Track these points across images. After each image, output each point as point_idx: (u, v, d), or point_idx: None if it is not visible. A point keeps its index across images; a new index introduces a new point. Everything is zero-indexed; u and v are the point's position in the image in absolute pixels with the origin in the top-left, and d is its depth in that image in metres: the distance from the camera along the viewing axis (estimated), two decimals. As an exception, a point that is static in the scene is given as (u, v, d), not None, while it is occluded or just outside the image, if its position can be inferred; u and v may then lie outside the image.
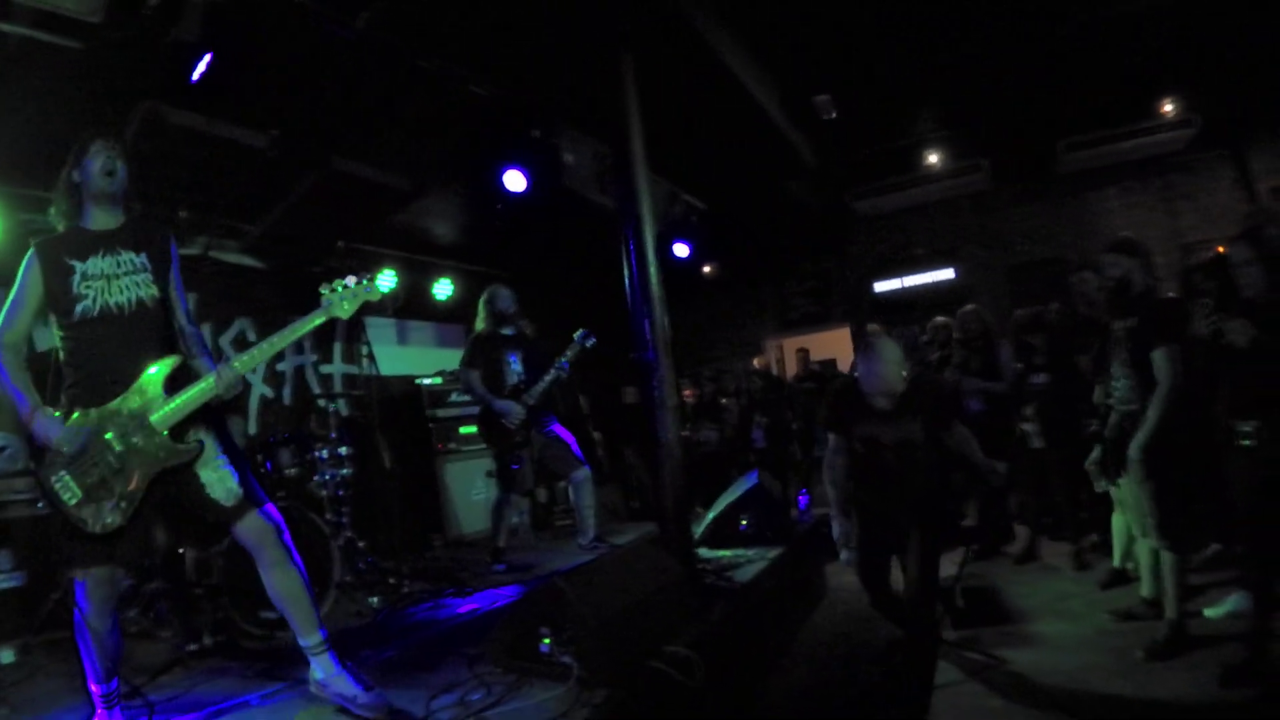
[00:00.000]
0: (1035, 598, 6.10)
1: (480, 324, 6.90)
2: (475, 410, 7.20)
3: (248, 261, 8.25)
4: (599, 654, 3.68)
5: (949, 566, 5.26)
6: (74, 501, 3.30)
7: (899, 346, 4.59)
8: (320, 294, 3.66)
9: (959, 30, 7.78)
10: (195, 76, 4.74)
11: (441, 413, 9.27)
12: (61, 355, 3.52)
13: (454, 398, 9.21)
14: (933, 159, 11.18)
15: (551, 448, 6.79)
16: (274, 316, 8.48)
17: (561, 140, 7.04)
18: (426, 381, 9.30)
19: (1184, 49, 8.59)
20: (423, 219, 9.17)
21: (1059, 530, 7.19)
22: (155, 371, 3.46)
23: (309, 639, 3.62)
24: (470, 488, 9.10)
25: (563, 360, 6.73)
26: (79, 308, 3.44)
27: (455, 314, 10.38)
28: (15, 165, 6.34)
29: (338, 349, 9.44)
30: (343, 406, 8.59)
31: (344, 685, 3.57)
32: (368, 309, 3.98)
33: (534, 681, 3.78)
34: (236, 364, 3.52)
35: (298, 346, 9.07)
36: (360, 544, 6.51)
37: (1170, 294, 5.41)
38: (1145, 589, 5.23)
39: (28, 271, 3.48)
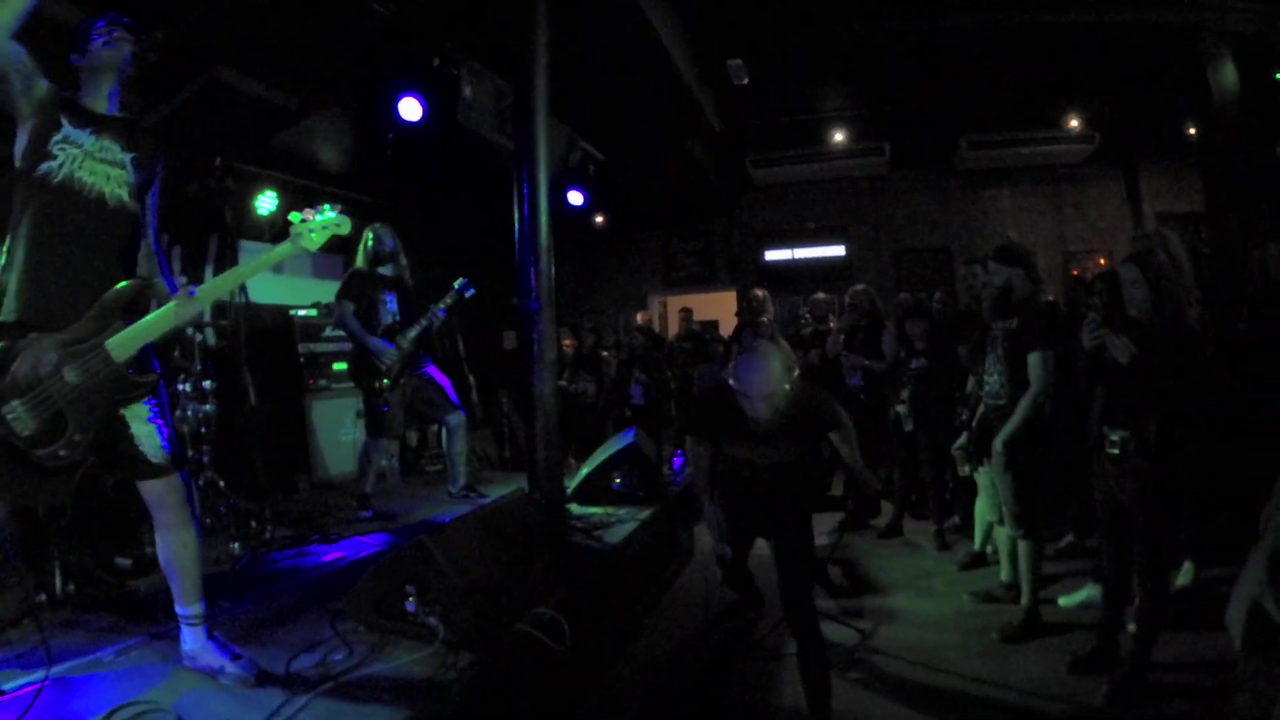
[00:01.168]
0: (898, 572, 6.32)
1: (360, 260, 6.60)
2: (347, 347, 6.92)
3: (114, 173, 7.74)
4: (465, 616, 3.57)
5: (820, 537, 5.30)
6: (27, 433, 2.97)
7: (784, 354, 4.37)
8: (290, 222, 3.44)
9: (879, 12, 7.79)
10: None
11: (315, 348, 8.86)
12: (18, 248, 3.09)
13: (328, 332, 8.78)
14: (837, 137, 11.40)
15: (424, 390, 6.57)
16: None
17: (462, 72, 6.78)
18: (301, 313, 8.85)
19: (1092, 67, 8.84)
20: (309, 141, 8.71)
21: (923, 509, 7.43)
22: (116, 295, 3.13)
23: (189, 608, 3.40)
24: (339, 428, 8.76)
25: (439, 308, 6.50)
26: (44, 165, 3.07)
27: (337, 244, 9.94)
28: None
29: (209, 273, 8.95)
30: (209, 336, 8.16)
31: (211, 656, 3.36)
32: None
33: (398, 642, 3.66)
34: (199, 293, 3.23)
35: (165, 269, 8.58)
36: (221, 484, 6.16)
37: (1049, 299, 5.58)
38: (1004, 573, 5.52)
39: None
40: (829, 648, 4.39)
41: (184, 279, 3.58)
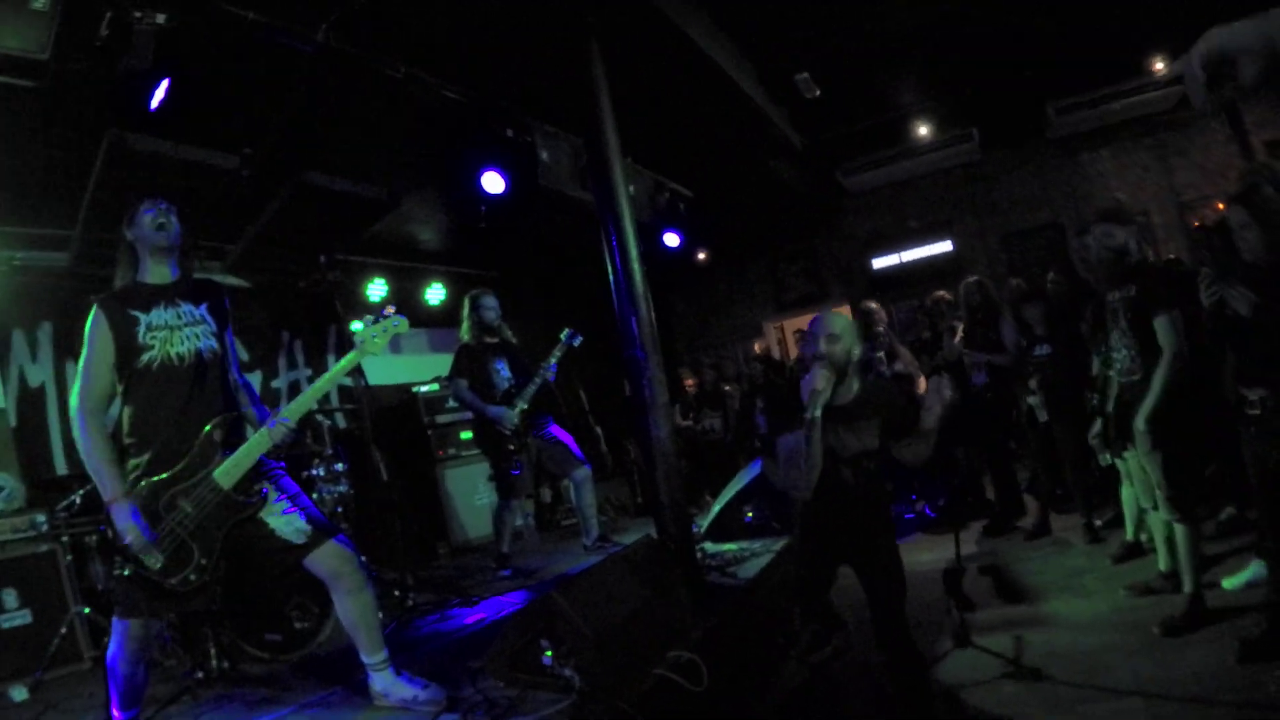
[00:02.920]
0: (1049, 574, 5.99)
1: (465, 334, 6.84)
2: (470, 416, 7.15)
3: (232, 281, 8.18)
4: (600, 665, 3.63)
5: (968, 545, 5.16)
6: (158, 566, 3.41)
7: (852, 320, 4.27)
8: (353, 333, 3.82)
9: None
10: (154, 104, 4.66)
11: (440, 419, 9.19)
12: (125, 416, 3.59)
13: (450, 404, 9.11)
14: (922, 130, 11.04)
15: (550, 449, 6.73)
16: (263, 334, 8.44)
17: (536, 138, 6.96)
18: (423, 389, 9.22)
19: (1172, 3, 8.45)
20: (407, 225, 9.11)
21: (1070, 503, 7.09)
22: (214, 429, 3.58)
23: (374, 657, 3.82)
24: (473, 493, 9.03)
25: (550, 363, 6.68)
26: (144, 357, 3.51)
27: (448, 318, 10.30)
28: (2, 205, 6.34)
29: (330, 360, 9.38)
30: (339, 420, 8.56)
31: (403, 690, 3.78)
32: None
33: (537, 696, 3.74)
34: (286, 414, 3.67)
35: (290, 361, 9.03)
36: (362, 559, 6.41)
37: (1169, 257, 5.29)
38: (1161, 562, 5.10)
39: (95, 328, 3.52)
40: (976, 667, 4.34)
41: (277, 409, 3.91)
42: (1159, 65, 10.12)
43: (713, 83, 7.41)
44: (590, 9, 5.49)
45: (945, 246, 12.80)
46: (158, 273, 3.70)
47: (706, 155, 9.33)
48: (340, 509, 6.43)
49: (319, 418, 7.79)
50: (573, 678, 3.64)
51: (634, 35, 6.08)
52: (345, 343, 9.34)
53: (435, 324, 10.36)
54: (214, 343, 3.70)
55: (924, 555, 6.89)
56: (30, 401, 6.95)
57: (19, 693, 5.26)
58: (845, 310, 12.69)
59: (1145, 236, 4.78)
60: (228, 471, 3.52)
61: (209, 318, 3.73)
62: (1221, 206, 10.85)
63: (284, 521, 3.63)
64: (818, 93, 9.06)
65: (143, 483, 3.48)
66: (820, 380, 3.79)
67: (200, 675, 4.79)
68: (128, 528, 3.35)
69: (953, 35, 8.42)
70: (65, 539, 5.86)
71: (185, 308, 3.67)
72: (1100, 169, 12.01)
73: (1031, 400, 6.82)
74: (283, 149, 6.45)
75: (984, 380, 7.46)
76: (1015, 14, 8.08)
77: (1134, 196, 11.26)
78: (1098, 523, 6.63)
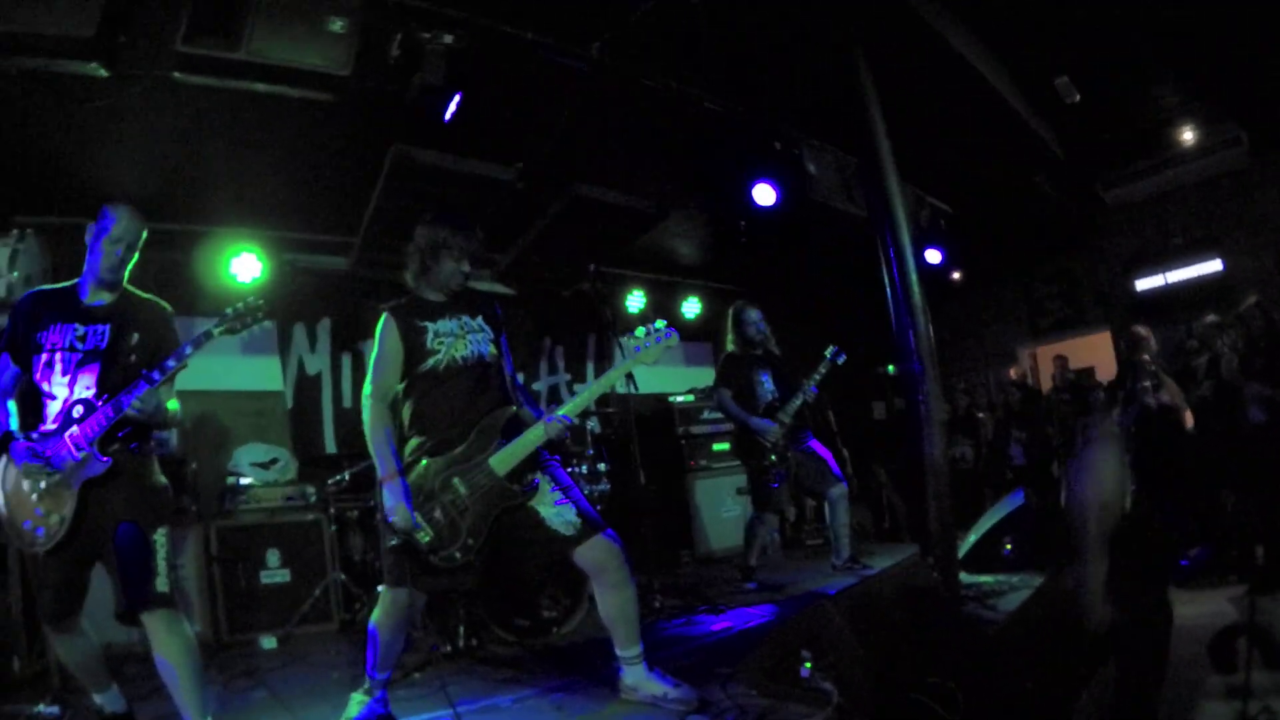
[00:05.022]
0: None
1: (730, 344, 6.92)
2: (725, 428, 7.21)
3: (500, 289, 8.59)
4: (861, 681, 3.58)
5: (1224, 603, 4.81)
6: (426, 540, 3.67)
7: (1126, 462, 3.84)
8: (624, 344, 4.04)
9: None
10: (448, 116, 5.02)
11: (694, 429, 9.31)
12: (408, 409, 3.93)
13: (705, 415, 9.24)
14: (1185, 135, 10.11)
15: (808, 464, 6.70)
16: (528, 339, 8.83)
17: (803, 150, 6.97)
18: (679, 399, 9.37)
19: None
20: (668, 239, 9.31)
21: None
22: (493, 419, 3.84)
23: (629, 650, 3.93)
24: (720, 505, 9.09)
25: (815, 378, 6.63)
26: (432, 361, 3.85)
27: (703, 332, 10.47)
28: (274, 211, 6.98)
29: (590, 369, 9.70)
30: (595, 424, 8.81)
31: (654, 686, 3.87)
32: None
33: (788, 707, 3.75)
34: (564, 411, 3.89)
35: (551, 366, 9.40)
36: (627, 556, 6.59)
37: None
38: None
39: (386, 332, 3.87)
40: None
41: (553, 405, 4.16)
42: None
43: (972, 90, 7.18)
44: (854, 15, 5.50)
45: (1214, 266, 11.64)
46: (442, 290, 4.02)
47: (966, 169, 9.03)
48: (599, 506, 6.61)
49: (581, 421, 8.06)
50: (831, 692, 3.61)
51: (894, 42, 5.98)
52: (603, 351, 9.67)
53: (690, 337, 10.49)
54: (492, 347, 3.99)
55: (1180, 609, 6.39)
56: (307, 387, 7.79)
57: (269, 642, 5.92)
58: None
59: None
60: (503, 460, 3.75)
61: (486, 325, 4.03)
62: None
63: (555, 512, 3.80)
64: (1078, 97, 8.58)
65: (423, 461, 3.77)
66: None
67: (448, 649, 5.15)
68: (397, 506, 3.62)
69: (1217, 25, 7.66)
70: (331, 511, 6.53)
71: (465, 318, 3.98)
72: (1399, 178, 10.64)
73: (1316, 441, 6.15)
74: (556, 162, 6.78)
75: (1262, 418, 6.76)
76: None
77: None
78: None
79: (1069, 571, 3.83)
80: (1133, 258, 12.11)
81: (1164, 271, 11.74)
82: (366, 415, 3.81)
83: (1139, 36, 7.78)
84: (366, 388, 3.85)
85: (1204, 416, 7.48)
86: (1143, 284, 11.90)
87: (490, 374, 3.95)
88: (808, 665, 3.78)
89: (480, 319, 4.03)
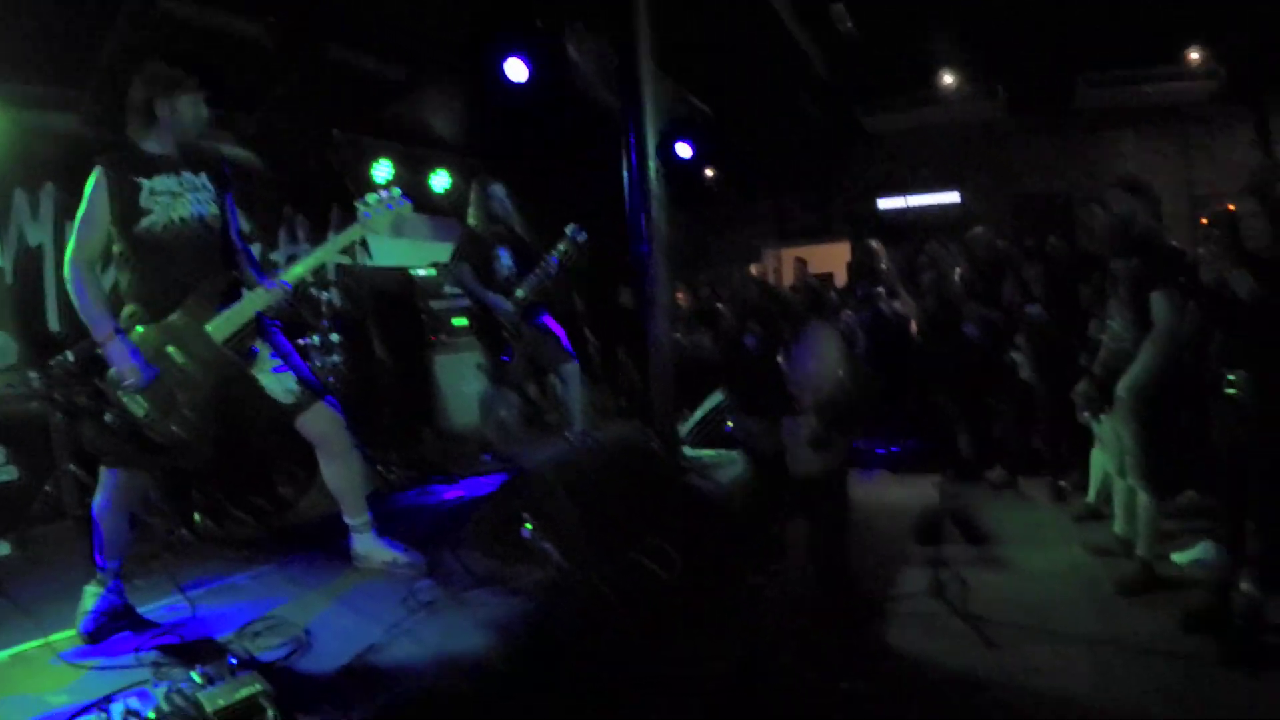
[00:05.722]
0: (1010, 524, 6.20)
1: (472, 219, 6.78)
2: (466, 303, 7.15)
3: (242, 153, 8.11)
4: (579, 542, 3.74)
5: (928, 487, 5.33)
6: (141, 413, 3.44)
7: (843, 346, 4.23)
8: (355, 208, 3.91)
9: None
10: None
11: (435, 304, 9.17)
12: (123, 275, 3.65)
13: (447, 290, 9.08)
14: (948, 81, 10.99)
15: (541, 341, 6.72)
16: (268, 206, 8.38)
17: (566, 32, 6.88)
18: (420, 273, 9.20)
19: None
20: (420, 110, 9.00)
21: (1039, 461, 7.27)
22: (211, 285, 3.63)
23: (357, 519, 3.99)
24: (462, 381, 9.00)
25: (553, 256, 6.62)
26: (145, 221, 3.54)
27: (452, 208, 10.23)
28: (10, 63, 6.21)
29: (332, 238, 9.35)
30: (335, 296, 8.55)
31: (384, 552, 3.96)
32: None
33: (514, 567, 3.84)
34: (286, 277, 3.77)
35: (291, 235, 9.00)
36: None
37: (1174, 244, 5.40)
38: (1119, 526, 5.34)
39: (95, 188, 3.54)
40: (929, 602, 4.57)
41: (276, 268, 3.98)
42: (1194, 56, 10.12)
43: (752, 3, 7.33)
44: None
45: (954, 199, 12.79)
46: (165, 145, 3.70)
47: (731, 74, 9.25)
48: (331, 380, 6.46)
49: (317, 292, 7.80)
50: (550, 551, 3.74)
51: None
52: (348, 222, 9.30)
53: (438, 211, 10.29)
54: (213, 207, 3.72)
55: (892, 490, 7.29)
56: (28, 260, 6.94)
57: (3, 547, 5.37)
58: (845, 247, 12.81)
59: (1156, 217, 4.86)
60: (220, 326, 3.59)
61: (210, 184, 3.75)
62: (1232, 207, 10.82)
63: (275, 380, 3.70)
64: (850, 25, 8.96)
65: (137, 329, 3.53)
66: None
67: (185, 534, 4.94)
68: (126, 365, 3.41)
69: None
70: (58, 398, 5.87)
71: (186, 175, 3.67)
72: (1121, 149, 12.07)
73: (1016, 357, 6.95)
74: (308, 21, 6.38)
75: (975, 332, 7.54)
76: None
77: (1150, 182, 11.20)
78: (1063, 483, 6.84)
79: (784, 424, 4.16)
80: (881, 180, 12.99)
81: (906, 196, 12.68)
82: (70, 280, 3.50)
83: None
84: (69, 252, 3.51)
85: (928, 327, 8.20)
86: (885, 204, 12.85)
87: (212, 237, 3.70)
88: (528, 527, 3.88)
89: (204, 176, 3.74)
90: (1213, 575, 4.39)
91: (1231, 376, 3.97)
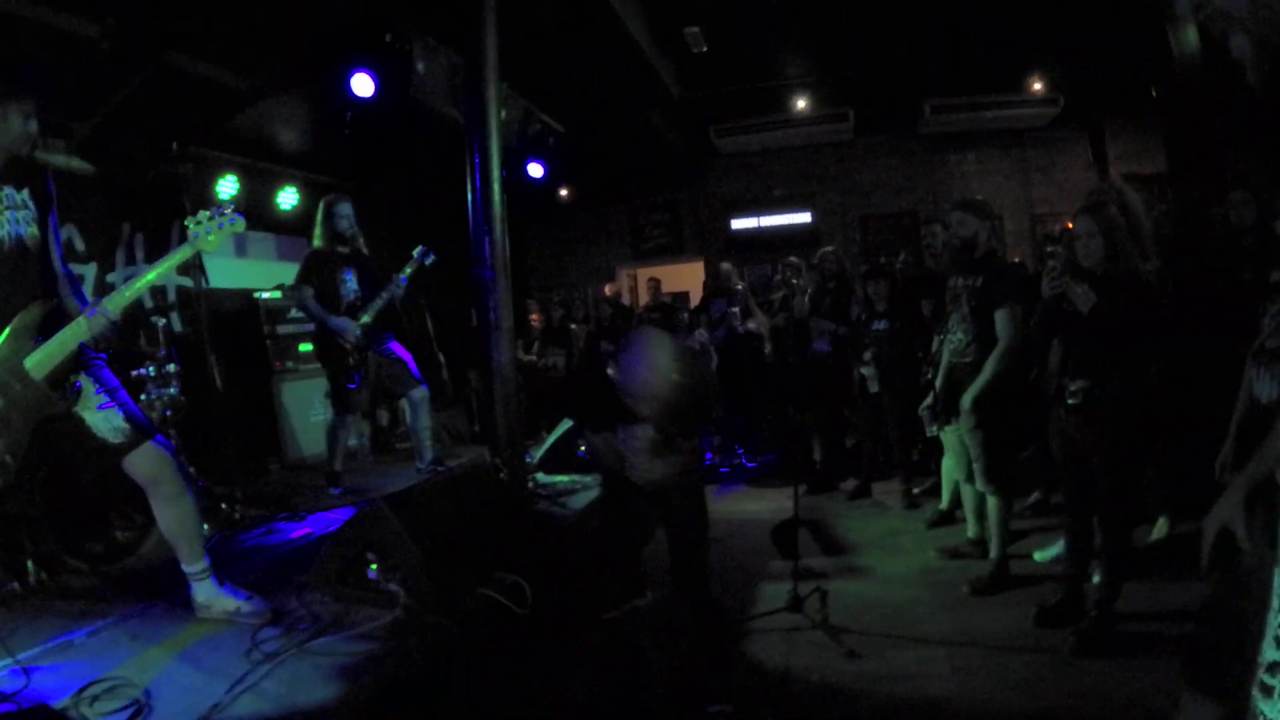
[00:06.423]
0: (866, 532, 6.41)
1: (317, 240, 6.55)
2: (312, 327, 6.91)
3: (76, 164, 7.66)
4: (426, 580, 3.63)
5: (786, 501, 5.38)
6: None
7: (674, 345, 4.14)
8: (185, 227, 3.60)
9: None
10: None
11: (281, 329, 8.83)
12: None
13: (293, 314, 8.74)
14: (800, 104, 11.37)
15: (389, 367, 6.55)
16: (104, 224, 7.94)
17: (415, 47, 6.72)
18: (265, 296, 8.82)
19: (1055, 29, 8.83)
20: (267, 124, 8.68)
21: (891, 470, 7.52)
22: (27, 317, 3.34)
23: (194, 565, 3.72)
24: (309, 409, 8.75)
25: (401, 277, 6.47)
26: None
27: (300, 226, 9.87)
28: None
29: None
30: (176, 321, 8.15)
31: (226, 601, 3.72)
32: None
33: (362, 610, 3.71)
34: (109, 305, 3.42)
35: (129, 256, 8.54)
36: (190, 469, 6.15)
37: (1017, 260, 5.61)
38: (970, 530, 5.59)
39: None
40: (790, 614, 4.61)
41: (96, 297, 3.69)
42: (1036, 85, 10.64)
43: (604, 23, 7.33)
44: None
45: (805, 218, 13.22)
46: None
47: (585, 93, 9.25)
48: (169, 413, 6.11)
49: (154, 318, 7.41)
50: (397, 592, 3.63)
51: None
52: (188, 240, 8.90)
53: (286, 230, 9.90)
54: (33, 228, 3.44)
55: (750, 505, 7.43)
56: None
57: None
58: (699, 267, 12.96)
59: (996, 235, 5.04)
60: (40, 362, 3.32)
61: (31, 203, 3.45)
62: (1070, 225, 11.51)
63: (101, 418, 3.43)
64: (705, 48, 9.06)
65: None
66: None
67: (16, 587, 4.50)
68: None
69: (844, 17, 8.58)
70: None
71: (7, 191, 3.38)
72: (964, 170, 12.68)
73: (865, 371, 7.16)
74: (148, 23, 6.04)
75: (826, 348, 7.78)
76: (906, 9, 8.29)
77: (991, 201, 11.67)
78: (915, 490, 7.10)
79: (619, 434, 4.07)
80: (734, 200, 13.30)
81: (759, 216, 13.04)
82: None
83: (775, 12, 8.33)
84: None
85: (779, 344, 8.40)
86: (738, 224, 13.18)
87: (30, 262, 3.41)
88: (373, 567, 3.75)
89: (25, 194, 3.44)
90: (1063, 570, 4.58)
91: (1074, 387, 4.14)
